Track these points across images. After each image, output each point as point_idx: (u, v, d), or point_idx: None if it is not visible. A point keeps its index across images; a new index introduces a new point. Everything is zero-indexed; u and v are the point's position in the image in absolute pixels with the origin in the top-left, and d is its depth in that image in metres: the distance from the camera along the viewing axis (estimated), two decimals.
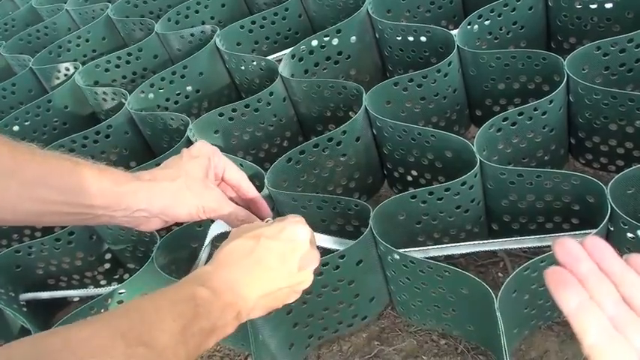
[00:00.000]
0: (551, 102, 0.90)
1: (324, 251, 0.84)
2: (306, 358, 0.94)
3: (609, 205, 0.73)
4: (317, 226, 0.93)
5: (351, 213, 0.89)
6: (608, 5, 1.07)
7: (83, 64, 1.42)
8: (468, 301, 0.78)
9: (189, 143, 1.05)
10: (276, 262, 0.63)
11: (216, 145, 1.07)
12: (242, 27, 1.31)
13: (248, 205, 0.79)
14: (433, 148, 0.94)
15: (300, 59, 1.16)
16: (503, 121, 0.90)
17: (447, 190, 0.83)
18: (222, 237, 0.86)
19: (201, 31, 1.34)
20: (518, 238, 0.86)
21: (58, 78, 1.47)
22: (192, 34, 1.35)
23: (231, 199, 0.77)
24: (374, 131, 1.02)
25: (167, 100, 1.26)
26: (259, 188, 0.91)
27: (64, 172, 0.61)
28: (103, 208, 0.64)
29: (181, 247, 0.92)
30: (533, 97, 1.01)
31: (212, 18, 1.49)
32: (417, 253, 0.86)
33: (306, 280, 0.67)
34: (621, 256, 0.45)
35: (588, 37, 1.11)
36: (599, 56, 0.95)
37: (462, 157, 0.89)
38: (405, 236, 0.90)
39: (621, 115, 0.90)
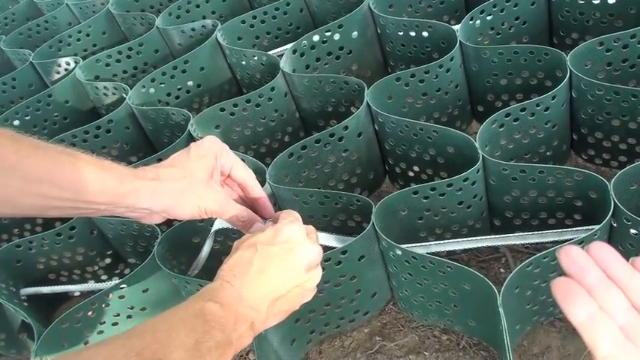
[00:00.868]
0: (553, 98, 0.90)
1: (325, 248, 0.84)
2: (308, 353, 0.94)
3: (612, 201, 0.73)
4: (319, 221, 0.93)
5: (352, 208, 0.89)
6: (611, 1, 1.06)
7: (84, 58, 1.42)
8: (470, 297, 0.78)
9: (190, 138, 1.05)
10: (277, 266, 0.63)
11: None
12: (243, 22, 1.30)
13: (252, 203, 0.79)
14: (435, 144, 0.94)
15: (302, 54, 1.16)
16: (506, 117, 0.90)
17: (449, 185, 0.83)
18: (224, 232, 0.87)
19: (202, 26, 1.33)
20: (521, 234, 0.86)
21: (58, 72, 1.46)
22: (193, 29, 1.34)
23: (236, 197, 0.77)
24: (376, 127, 1.01)
25: (168, 94, 1.26)
26: (261, 184, 0.91)
27: (66, 169, 0.60)
28: (104, 204, 0.64)
29: (183, 242, 0.92)
30: (535, 93, 1.01)
31: (213, 12, 1.48)
32: (419, 248, 0.86)
33: (314, 276, 0.67)
34: (627, 259, 0.44)
35: (591, 33, 1.10)
36: (602, 52, 0.94)
37: (464, 152, 0.88)
38: (407, 232, 0.90)
39: (624, 110, 0.90)
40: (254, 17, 1.30)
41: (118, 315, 0.93)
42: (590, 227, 0.76)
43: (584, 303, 0.42)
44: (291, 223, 0.67)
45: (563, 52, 0.93)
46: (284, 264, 0.63)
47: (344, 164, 1.01)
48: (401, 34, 1.14)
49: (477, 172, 0.84)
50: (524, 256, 0.94)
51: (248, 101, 1.08)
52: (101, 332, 0.94)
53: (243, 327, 0.58)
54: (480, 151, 0.84)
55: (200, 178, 0.71)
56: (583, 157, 1.04)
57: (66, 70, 1.45)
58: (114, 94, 1.30)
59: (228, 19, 1.31)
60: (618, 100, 0.89)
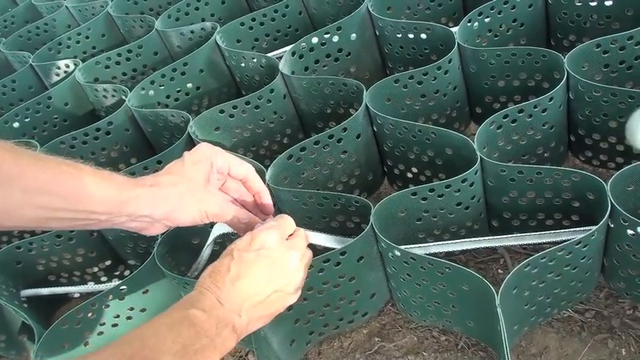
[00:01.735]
0: (551, 99, 0.90)
1: (324, 249, 0.84)
2: (307, 354, 0.94)
3: (609, 202, 0.73)
4: (318, 222, 0.94)
5: (351, 210, 0.89)
6: (608, 3, 1.07)
7: (83, 60, 1.42)
8: (469, 298, 0.78)
9: (189, 140, 1.05)
10: (252, 272, 0.65)
11: (216, 142, 1.08)
12: (242, 24, 1.31)
13: (253, 203, 0.79)
14: (433, 145, 0.94)
15: (301, 56, 1.16)
16: (504, 119, 0.91)
17: (447, 187, 0.84)
18: (223, 235, 0.87)
19: (202, 28, 1.34)
20: (519, 234, 0.86)
21: (57, 75, 1.47)
22: (192, 31, 1.35)
23: (234, 199, 0.78)
24: (374, 128, 1.02)
25: (167, 97, 1.26)
26: None
27: (66, 179, 0.61)
28: (105, 214, 0.64)
29: (182, 244, 0.92)
30: (533, 95, 1.01)
31: (212, 15, 1.49)
32: (418, 249, 0.87)
33: (294, 279, 0.68)
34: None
35: (588, 35, 1.11)
36: (599, 53, 0.95)
37: (462, 154, 0.89)
38: (406, 233, 0.91)
39: (621, 112, 0.90)
40: (253, 20, 1.31)
41: (118, 316, 0.94)
42: (587, 228, 0.76)
43: None
44: (267, 229, 0.69)
45: (560, 54, 0.94)
46: (259, 270, 0.65)
47: (343, 166, 1.01)
48: (399, 36, 1.14)
49: (475, 173, 0.85)
50: (522, 257, 0.94)
51: (247, 103, 1.08)
52: (101, 333, 0.94)
53: (225, 331, 0.60)
54: (478, 153, 0.84)
55: (198, 183, 0.72)
56: (580, 158, 1.04)
57: (65, 72, 1.46)
58: (113, 96, 1.31)
59: (227, 22, 1.31)
60: (615, 102, 0.89)
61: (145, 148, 1.25)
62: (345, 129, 0.96)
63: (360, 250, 0.82)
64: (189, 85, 1.27)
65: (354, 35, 1.18)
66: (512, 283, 0.73)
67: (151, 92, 1.23)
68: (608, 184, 0.75)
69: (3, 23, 1.88)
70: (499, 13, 1.09)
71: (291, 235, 0.72)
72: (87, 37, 1.54)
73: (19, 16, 1.87)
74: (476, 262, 0.97)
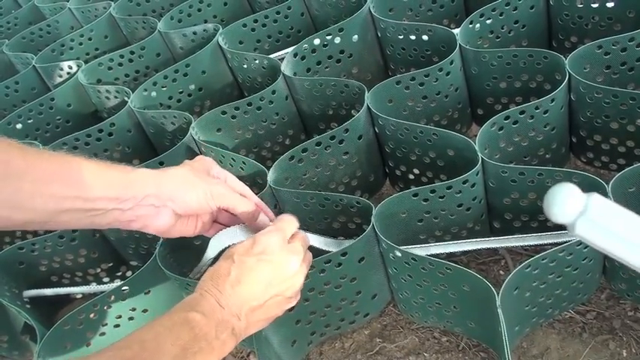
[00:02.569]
0: (552, 100, 0.90)
1: (324, 251, 0.84)
2: (309, 354, 0.94)
3: None
4: (319, 223, 0.94)
5: (353, 211, 0.89)
6: (610, 4, 1.07)
7: (86, 62, 1.42)
8: (470, 299, 0.78)
9: (191, 141, 1.05)
10: (253, 277, 0.65)
11: (218, 144, 1.08)
12: (244, 25, 1.31)
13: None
14: (435, 147, 0.95)
15: (303, 58, 1.17)
16: (505, 120, 0.91)
17: (448, 188, 0.84)
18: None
19: (204, 30, 1.34)
20: (520, 235, 0.86)
21: (60, 76, 1.47)
22: (194, 33, 1.35)
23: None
24: (376, 130, 1.02)
25: (170, 98, 1.26)
26: (262, 186, 0.92)
27: (73, 168, 0.62)
28: (113, 199, 0.65)
29: (184, 245, 0.92)
30: (534, 96, 1.01)
31: (215, 16, 1.49)
32: (419, 250, 0.87)
33: (293, 284, 0.68)
34: None
35: (590, 36, 1.11)
36: (601, 55, 0.95)
37: (463, 155, 0.89)
38: (407, 234, 0.91)
39: (622, 113, 0.90)
40: (255, 21, 1.31)
41: (120, 317, 0.94)
42: None
43: None
44: (269, 233, 0.69)
45: (562, 56, 0.94)
46: (259, 275, 0.66)
47: (344, 167, 1.02)
48: (401, 37, 1.15)
49: (477, 174, 0.85)
50: (523, 257, 0.94)
51: (249, 104, 1.08)
52: (103, 334, 0.94)
53: (224, 334, 0.61)
54: (479, 154, 0.84)
55: (201, 170, 0.74)
56: (582, 159, 1.04)
57: (68, 73, 1.46)
58: (116, 97, 1.31)
59: (229, 23, 1.32)
60: (617, 103, 0.89)
61: (147, 150, 1.26)
62: (346, 130, 0.96)
63: (361, 251, 0.83)
64: (192, 86, 1.28)
65: (356, 37, 1.18)
66: (513, 284, 0.73)
67: (154, 93, 1.24)
68: (609, 185, 0.75)
69: (6, 25, 1.88)
70: (501, 15, 1.09)
71: (292, 237, 0.72)
72: (90, 39, 1.54)
73: (23, 17, 1.88)
74: (477, 263, 0.97)
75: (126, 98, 1.22)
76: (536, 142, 0.96)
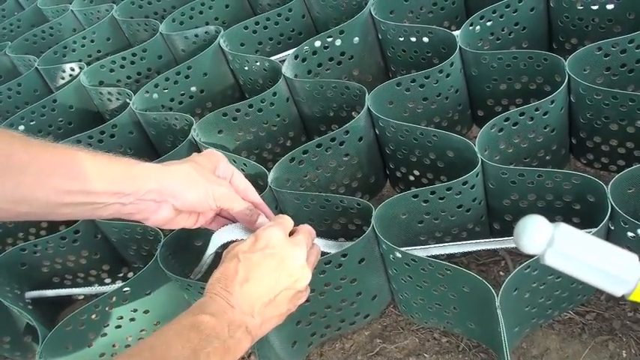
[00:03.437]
0: (552, 102, 0.90)
1: (324, 253, 0.84)
2: (309, 355, 0.95)
3: (610, 204, 0.74)
4: (320, 225, 0.94)
5: (353, 212, 0.90)
6: (610, 6, 1.07)
7: (88, 64, 1.43)
8: (470, 300, 0.78)
9: (192, 143, 1.06)
10: (261, 272, 0.65)
11: (219, 145, 1.09)
12: (246, 28, 1.31)
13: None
14: (435, 148, 0.95)
15: (304, 60, 1.17)
16: (505, 121, 0.91)
17: (448, 189, 0.84)
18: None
19: (206, 32, 1.35)
20: None
21: (63, 78, 1.48)
22: (196, 35, 1.36)
23: None
24: (376, 131, 1.02)
25: (171, 100, 1.27)
26: (263, 187, 0.92)
27: (76, 161, 0.62)
28: (115, 194, 0.64)
29: (185, 246, 0.93)
30: (534, 98, 1.01)
31: (216, 19, 1.49)
32: (419, 251, 0.87)
33: (303, 276, 0.68)
34: None
35: (589, 38, 1.11)
36: (601, 57, 0.95)
37: (463, 156, 0.89)
38: (407, 235, 0.91)
39: (622, 115, 0.91)
40: (256, 23, 1.32)
41: (122, 318, 0.94)
42: (588, 230, 0.76)
43: None
44: (270, 228, 0.69)
45: (562, 58, 0.94)
46: (266, 269, 0.65)
47: (345, 168, 1.02)
48: (402, 39, 1.15)
49: (477, 175, 0.85)
50: (523, 259, 0.94)
51: (250, 106, 1.09)
52: (105, 335, 0.94)
53: (238, 332, 0.60)
54: (479, 155, 0.85)
55: (206, 168, 0.73)
56: (582, 161, 1.04)
57: (70, 75, 1.47)
58: (118, 99, 1.32)
59: (230, 26, 1.32)
60: (616, 105, 0.90)
61: (149, 151, 1.26)
62: (347, 132, 0.97)
63: (361, 252, 0.83)
64: (193, 88, 1.28)
65: (356, 39, 1.19)
66: (512, 284, 0.73)
67: (155, 95, 1.24)
68: (609, 186, 0.75)
69: (9, 27, 1.89)
70: (501, 17, 1.10)
71: (296, 232, 0.72)
72: (92, 41, 1.55)
73: (25, 19, 1.88)
74: (477, 264, 0.97)
75: (128, 100, 1.22)
76: (536, 144, 0.96)
